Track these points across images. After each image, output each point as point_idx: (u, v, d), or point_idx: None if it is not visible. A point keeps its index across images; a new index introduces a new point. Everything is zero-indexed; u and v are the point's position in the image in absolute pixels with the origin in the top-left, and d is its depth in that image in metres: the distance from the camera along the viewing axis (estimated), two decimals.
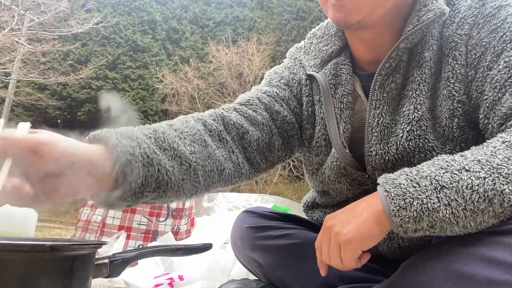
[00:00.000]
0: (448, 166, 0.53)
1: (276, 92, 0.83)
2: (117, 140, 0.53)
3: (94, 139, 0.55)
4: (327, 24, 0.86)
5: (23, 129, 0.50)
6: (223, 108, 0.78)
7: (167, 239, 1.68)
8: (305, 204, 1.00)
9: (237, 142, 0.74)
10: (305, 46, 0.88)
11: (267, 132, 0.78)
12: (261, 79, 0.94)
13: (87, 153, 0.52)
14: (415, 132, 0.68)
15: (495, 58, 0.62)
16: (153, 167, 0.56)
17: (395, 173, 0.57)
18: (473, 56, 0.65)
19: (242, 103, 0.80)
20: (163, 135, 0.60)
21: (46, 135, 0.49)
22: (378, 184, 0.57)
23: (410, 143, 0.68)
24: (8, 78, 11.44)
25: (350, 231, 0.56)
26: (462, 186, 0.50)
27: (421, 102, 0.68)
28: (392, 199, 0.53)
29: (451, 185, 0.51)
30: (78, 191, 0.51)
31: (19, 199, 0.46)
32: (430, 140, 0.68)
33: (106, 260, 0.59)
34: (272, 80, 0.87)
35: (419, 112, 0.68)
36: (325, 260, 0.62)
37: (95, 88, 15.09)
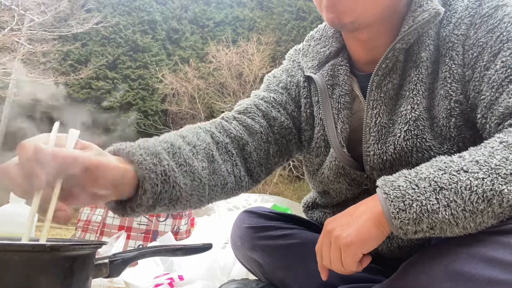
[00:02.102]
0: (446, 167, 0.53)
1: (273, 98, 0.84)
2: (141, 158, 0.54)
3: (118, 152, 0.56)
4: (325, 26, 0.87)
5: (74, 138, 0.50)
6: (223, 118, 0.79)
7: (167, 239, 1.68)
8: (305, 204, 1.00)
9: (239, 154, 0.75)
10: (303, 48, 0.89)
11: (264, 140, 0.79)
12: (261, 79, 0.96)
13: (123, 172, 0.52)
14: (413, 131, 0.68)
15: (492, 58, 0.62)
16: (168, 184, 0.57)
17: (394, 175, 0.57)
18: (470, 56, 0.65)
19: (241, 111, 0.81)
20: (179, 150, 0.61)
21: (101, 155, 0.50)
22: (377, 185, 0.57)
23: (408, 143, 0.68)
24: (8, 78, 11.44)
25: (350, 234, 0.56)
26: (461, 187, 0.50)
27: (418, 102, 0.68)
28: (392, 201, 0.53)
29: (450, 186, 0.51)
30: (99, 200, 0.52)
31: (63, 223, 0.48)
32: (427, 140, 0.68)
33: (106, 260, 0.59)
34: (270, 84, 0.88)
35: (416, 112, 0.68)
36: (326, 264, 0.62)
37: (95, 88, 15.09)
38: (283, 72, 0.90)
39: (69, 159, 0.46)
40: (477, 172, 0.51)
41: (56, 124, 0.51)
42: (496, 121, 0.60)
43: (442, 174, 0.52)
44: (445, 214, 0.50)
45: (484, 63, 0.63)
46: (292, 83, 0.87)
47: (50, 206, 0.46)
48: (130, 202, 0.55)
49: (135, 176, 0.54)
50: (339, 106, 0.77)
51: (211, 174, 0.66)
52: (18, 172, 0.44)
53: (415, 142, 0.68)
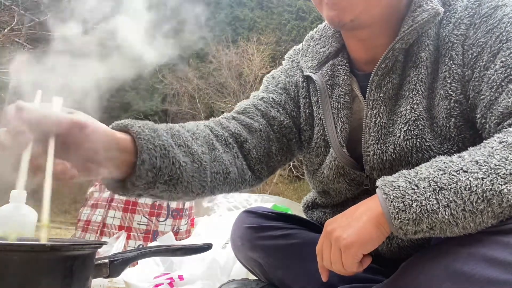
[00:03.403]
0: (446, 167, 0.53)
1: (272, 98, 0.84)
2: (140, 129, 0.55)
3: (117, 127, 0.57)
4: (325, 26, 0.87)
5: (58, 105, 0.50)
6: (221, 117, 0.80)
7: (167, 239, 1.68)
8: (305, 204, 1.00)
9: (239, 149, 0.76)
10: (302, 48, 0.89)
11: (264, 138, 0.79)
12: (261, 79, 0.96)
13: (117, 138, 0.53)
14: (413, 131, 0.68)
15: (491, 58, 0.62)
16: (168, 159, 0.58)
17: (393, 175, 0.57)
18: (470, 56, 0.65)
19: (239, 112, 0.81)
20: (178, 133, 0.63)
21: (88, 117, 0.51)
22: (377, 186, 0.57)
23: (408, 143, 0.68)
24: (8, 78, 11.44)
25: (350, 235, 0.56)
26: (460, 187, 0.50)
27: (418, 102, 0.68)
28: (391, 201, 0.53)
29: (450, 186, 0.51)
30: (99, 172, 0.52)
31: (63, 179, 0.47)
32: (427, 140, 0.68)
33: (106, 260, 0.59)
34: (269, 85, 0.88)
35: (416, 112, 0.68)
36: (326, 265, 0.62)
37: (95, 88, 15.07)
38: (281, 72, 0.90)
39: (53, 116, 0.46)
40: (477, 172, 0.51)
41: (39, 92, 0.52)
42: (495, 121, 0.60)
43: (441, 174, 0.52)
44: (445, 214, 0.50)
45: (483, 63, 0.63)
46: (291, 83, 0.87)
47: (48, 163, 0.46)
48: (129, 177, 0.55)
49: (132, 146, 0.55)
50: (339, 106, 0.77)
51: (212, 161, 0.67)
52: (4, 135, 0.44)
53: (415, 142, 0.68)
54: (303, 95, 0.85)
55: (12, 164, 0.46)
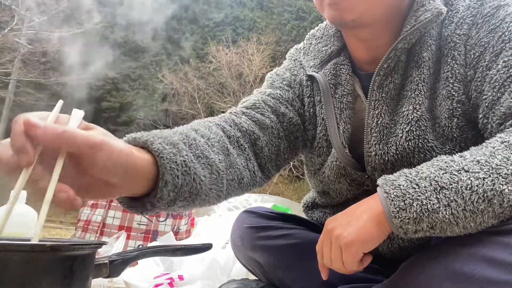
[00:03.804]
0: (447, 167, 0.53)
1: (280, 94, 0.83)
2: (161, 146, 0.50)
3: (134, 142, 0.52)
4: (326, 25, 0.86)
5: (77, 118, 0.45)
6: (231, 113, 0.77)
7: (168, 239, 1.68)
8: (305, 204, 1.00)
9: (251, 148, 0.73)
10: (304, 47, 0.88)
11: (275, 135, 0.78)
12: (261, 79, 0.95)
13: (135, 158, 0.48)
14: (415, 132, 0.68)
15: (494, 58, 0.62)
16: (189, 176, 0.53)
17: (394, 174, 0.57)
18: (472, 56, 0.65)
19: (249, 107, 0.78)
20: (195, 142, 0.57)
21: (106, 135, 0.45)
22: (378, 185, 0.57)
23: (410, 143, 0.68)
24: (8, 78, 11.43)
25: (351, 234, 0.56)
26: (461, 187, 0.50)
27: (420, 102, 0.68)
28: (392, 200, 0.53)
29: (451, 186, 0.51)
30: (114, 193, 0.48)
31: (67, 208, 0.42)
32: (429, 140, 0.68)
33: (106, 260, 0.59)
34: (274, 82, 0.86)
35: (418, 112, 0.68)
36: (327, 263, 0.62)
37: (95, 88, 15.09)
38: (285, 70, 0.89)
39: (66, 134, 0.41)
40: (478, 172, 0.50)
41: (60, 103, 0.47)
42: (497, 121, 0.60)
43: (442, 174, 0.52)
44: (446, 213, 0.50)
45: (486, 63, 0.63)
46: (295, 82, 0.86)
47: (50, 186, 0.41)
48: (149, 197, 0.51)
49: (152, 167, 0.50)
50: (342, 106, 0.77)
51: (228, 167, 0.63)
52: (6, 147, 0.40)
53: (417, 143, 0.68)
54: (308, 94, 0.84)
55: (12, 177, 0.41)
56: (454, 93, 0.66)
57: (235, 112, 0.77)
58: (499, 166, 0.50)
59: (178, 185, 0.51)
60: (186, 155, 0.53)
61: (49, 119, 0.44)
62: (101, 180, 0.45)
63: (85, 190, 0.45)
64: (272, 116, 0.78)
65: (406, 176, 0.55)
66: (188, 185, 0.53)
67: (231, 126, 0.71)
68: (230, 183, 0.64)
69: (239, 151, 0.69)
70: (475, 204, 0.49)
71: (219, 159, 0.61)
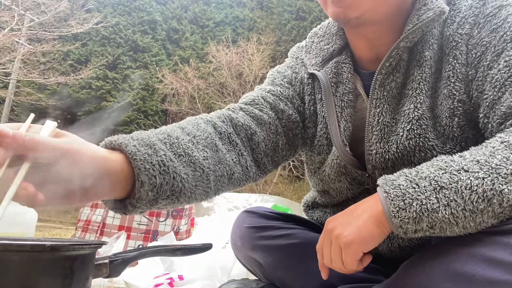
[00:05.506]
0: (447, 166, 0.53)
1: (280, 91, 0.83)
2: (135, 148, 0.52)
3: (110, 145, 0.54)
4: (328, 23, 0.86)
5: (49, 128, 0.47)
6: (229, 109, 0.78)
7: (168, 239, 1.68)
8: (305, 204, 1.00)
9: (245, 143, 0.74)
10: (306, 45, 0.89)
11: (273, 131, 0.78)
12: (261, 79, 0.95)
13: (107, 162, 0.50)
14: (415, 131, 0.68)
15: (495, 58, 0.62)
16: (168, 175, 0.55)
17: (394, 174, 0.57)
18: (474, 55, 0.65)
19: (247, 103, 0.80)
20: (177, 140, 0.59)
21: (75, 142, 0.47)
22: (377, 185, 0.57)
23: (410, 142, 0.68)
24: (8, 78, 11.44)
25: (351, 233, 0.56)
26: (461, 187, 0.50)
27: (421, 101, 0.68)
28: (392, 200, 0.53)
29: (450, 185, 0.51)
30: (91, 198, 0.50)
31: (29, 205, 0.44)
32: (430, 139, 0.68)
33: (106, 260, 0.59)
34: (275, 79, 0.87)
35: (419, 111, 0.68)
36: (327, 263, 0.62)
37: (95, 88, 15.09)
38: (287, 68, 0.89)
39: (31, 141, 0.43)
40: (478, 172, 0.51)
41: (31, 116, 0.49)
42: (498, 120, 0.60)
43: (442, 174, 0.52)
44: (445, 213, 0.50)
45: (487, 62, 0.63)
46: (296, 79, 0.86)
47: (12, 185, 0.43)
48: (129, 198, 0.54)
49: (129, 169, 0.52)
50: (343, 104, 0.77)
51: (216, 164, 0.65)
52: None
53: (417, 142, 0.68)
54: (308, 92, 0.84)
55: None
56: (455, 92, 0.66)
57: (233, 108, 0.78)
58: (498, 166, 0.50)
59: (157, 185, 0.53)
60: (164, 155, 0.55)
61: (20, 129, 0.45)
62: (76, 186, 0.47)
63: (63, 197, 0.47)
64: (270, 112, 0.79)
65: (406, 176, 0.55)
66: (168, 184, 0.55)
67: (223, 122, 0.72)
68: (219, 179, 0.65)
69: (230, 147, 0.70)
70: (474, 203, 0.49)
71: (204, 156, 0.62)
